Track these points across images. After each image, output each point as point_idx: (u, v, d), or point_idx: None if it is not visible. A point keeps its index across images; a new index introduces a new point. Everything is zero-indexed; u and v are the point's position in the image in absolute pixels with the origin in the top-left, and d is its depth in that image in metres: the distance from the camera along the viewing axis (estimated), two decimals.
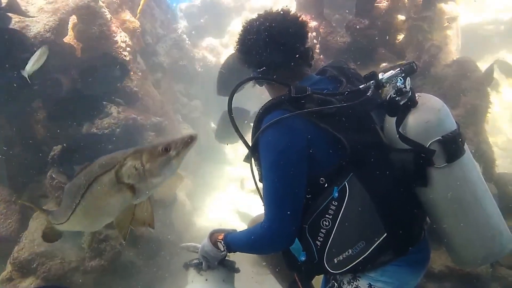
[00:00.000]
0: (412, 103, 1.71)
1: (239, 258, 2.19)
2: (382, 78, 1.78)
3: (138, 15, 5.44)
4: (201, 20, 9.52)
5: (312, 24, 4.77)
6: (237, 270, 2.20)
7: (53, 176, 4.10)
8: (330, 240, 1.74)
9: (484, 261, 1.87)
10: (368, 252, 1.68)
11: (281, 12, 1.95)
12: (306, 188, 1.74)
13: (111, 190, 1.81)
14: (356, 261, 1.70)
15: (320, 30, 4.77)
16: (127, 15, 5.18)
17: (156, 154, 1.75)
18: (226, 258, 2.09)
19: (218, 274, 2.09)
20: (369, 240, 1.68)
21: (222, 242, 1.98)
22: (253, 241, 1.86)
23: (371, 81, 1.79)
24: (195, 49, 8.58)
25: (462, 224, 1.73)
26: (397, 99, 1.73)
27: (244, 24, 1.98)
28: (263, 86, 2.07)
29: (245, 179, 7.38)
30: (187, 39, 8.20)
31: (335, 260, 1.74)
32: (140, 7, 5.49)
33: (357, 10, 4.57)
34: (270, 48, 1.86)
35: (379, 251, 1.68)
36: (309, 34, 4.79)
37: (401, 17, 4.92)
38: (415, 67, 1.77)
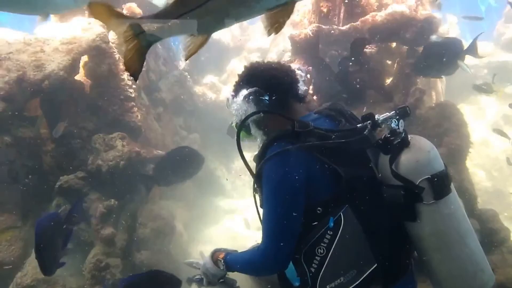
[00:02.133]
0: (404, 143, 1.83)
1: (240, 279, 2.32)
2: (378, 119, 1.93)
3: None
4: (201, 58, 9.97)
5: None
6: None
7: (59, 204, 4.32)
8: (324, 267, 1.80)
9: None
10: (359, 281, 1.76)
11: (275, 61, 2.18)
12: (302, 217, 1.82)
13: None
14: None
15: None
16: None
17: None
18: (228, 277, 2.19)
19: None
20: (360, 269, 1.77)
21: (222, 261, 2.09)
22: (249, 262, 1.97)
23: (368, 121, 1.94)
24: (195, 86, 8.97)
25: (446, 260, 1.82)
26: (391, 138, 1.85)
27: (245, 66, 2.14)
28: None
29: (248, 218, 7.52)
30: (188, 76, 8.59)
31: (327, 287, 1.81)
32: None
33: (351, 52, 4.92)
34: (271, 86, 2.01)
35: (369, 281, 1.76)
36: (305, 76, 5.15)
37: (389, 62, 5.33)
38: (409, 111, 1.90)
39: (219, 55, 10.13)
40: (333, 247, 1.78)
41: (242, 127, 2.04)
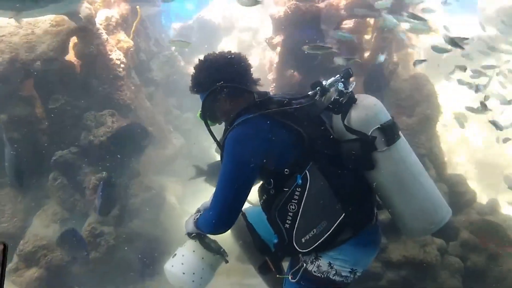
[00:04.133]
0: (352, 100, 2.01)
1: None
2: (325, 84, 2.09)
3: (132, 35, 6.02)
4: (193, 39, 10.15)
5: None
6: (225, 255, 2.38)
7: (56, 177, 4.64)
8: (297, 222, 1.95)
9: (428, 230, 2.12)
10: (330, 230, 1.91)
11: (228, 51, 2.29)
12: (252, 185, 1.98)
13: None
14: (321, 239, 1.92)
15: None
16: (121, 36, 5.74)
17: None
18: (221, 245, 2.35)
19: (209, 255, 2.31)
20: (330, 219, 1.91)
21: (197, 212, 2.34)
22: (201, 221, 2.17)
23: (317, 87, 2.10)
24: (187, 65, 9.17)
25: (406, 200, 1.99)
26: (340, 99, 2.02)
27: (200, 58, 2.25)
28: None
29: None
30: (179, 55, 8.79)
31: (303, 240, 1.96)
32: (133, 28, 6.08)
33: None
34: (230, 68, 2.13)
35: (339, 230, 1.91)
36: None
37: (367, 37, 5.53)
38: (351, 72, 2.11)
39: (210, 35, 10.30)
40: (303, 202, 1.93)
41: (207, 104, 2.13)
